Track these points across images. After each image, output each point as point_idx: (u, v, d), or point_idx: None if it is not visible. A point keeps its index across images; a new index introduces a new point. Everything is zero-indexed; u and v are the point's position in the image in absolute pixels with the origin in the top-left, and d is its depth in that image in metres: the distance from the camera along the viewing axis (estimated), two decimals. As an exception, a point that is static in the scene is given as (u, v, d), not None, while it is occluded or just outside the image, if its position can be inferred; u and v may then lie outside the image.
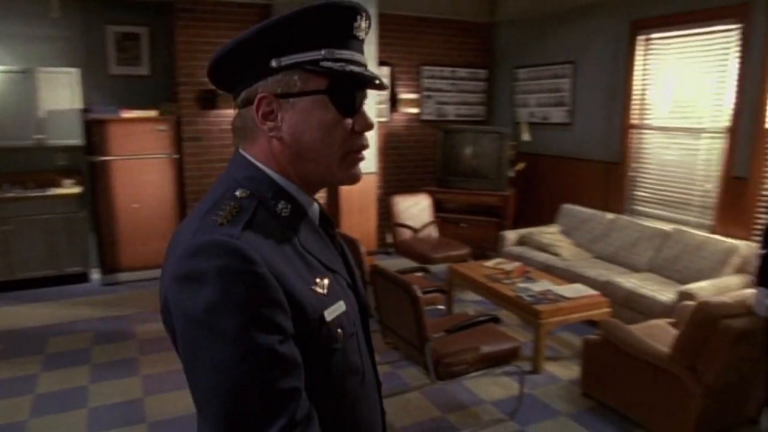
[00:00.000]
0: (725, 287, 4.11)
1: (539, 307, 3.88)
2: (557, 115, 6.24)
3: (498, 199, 6.21)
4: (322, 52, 0.89)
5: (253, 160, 0.96)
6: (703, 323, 2.97)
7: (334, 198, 5.12)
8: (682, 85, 5.08)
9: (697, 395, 2.97)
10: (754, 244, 4.38)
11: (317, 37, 0.90)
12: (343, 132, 0.93)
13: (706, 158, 4.92)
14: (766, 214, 4.44)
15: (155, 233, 5.59)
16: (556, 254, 5.28)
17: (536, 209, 6.46)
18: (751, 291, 3.03)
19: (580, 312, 4.00)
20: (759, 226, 4.49)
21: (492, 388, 3.66)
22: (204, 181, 5.80)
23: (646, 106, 5.39)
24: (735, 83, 4.60)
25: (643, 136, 5.42)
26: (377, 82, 0.95)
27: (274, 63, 0.90)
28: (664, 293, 4.24)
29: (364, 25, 0.94)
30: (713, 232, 4.75)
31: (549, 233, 5.62)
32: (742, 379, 3.12)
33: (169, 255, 0.91)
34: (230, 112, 5.79)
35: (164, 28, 5.76)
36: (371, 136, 4.58)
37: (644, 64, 5.35)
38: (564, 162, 6.20)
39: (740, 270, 4.36)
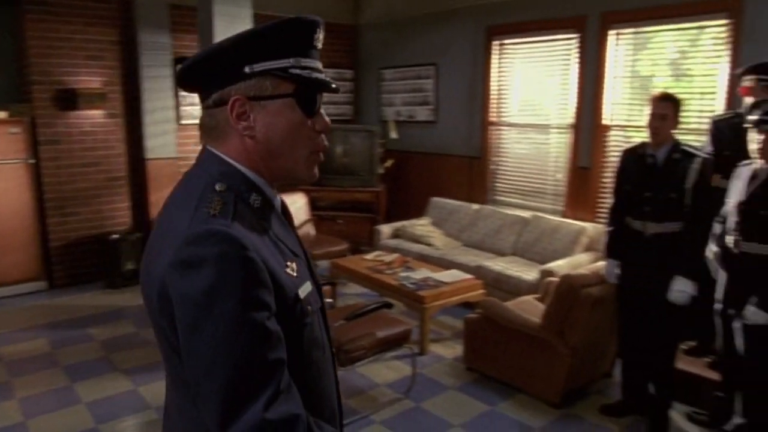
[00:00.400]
0: (578, 264, 4.65)
1: (422, 293, 4.15)
2: (422, 113, 6.62)
3: (370, 195, 6.46)
4: (291, 60, 1.02)
5: (224, 156, 1.05)
6: (566, 293, 3.38)
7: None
8: (533, 86, 5.66)
9: (565, 356, 3.38)
10: (599, 226, 5.00)
11: (286, 48, 1.02)
12: (308, 131, 1.06)
13: (555, 151, 5.52)
14: (609, 198, 5.08)
15: (11, 246, 5.14)
16: (429, 244, 5.62)
17: (406, 203, 6.80)
18: (602, 263, 3.50)
19: (458, 295, 4.34)
20: (601, 209, 5.13)
21: (384, 371, 3.86)
22: (66, 187, 5.43)
23: (503, 105, 5.91)
24: (576, 85, 5.21)
25: (501, 132, 5.93)
26: (333, 86, 1.08)
27: (247, 69, 1.00)
28: (529, 273, 4.72)
29: (321, 36, 1.07)
30: (565, 217, 5.34)
31: (421, 225, 5.96)
32: (598, 339, 3.60)
33: (159, 246, 0.98)
34: (94, 113, 5.49)
35: (7, 22, 5.30)
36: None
37: (499, 67, 5.86)
38: (430, 158, 6.59)
39: (589, 248, 4.95)
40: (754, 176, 2.89)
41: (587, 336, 3.45)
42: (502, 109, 5.91)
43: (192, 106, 5.94)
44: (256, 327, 0.91)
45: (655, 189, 3.13)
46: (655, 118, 3.09)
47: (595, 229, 5.01)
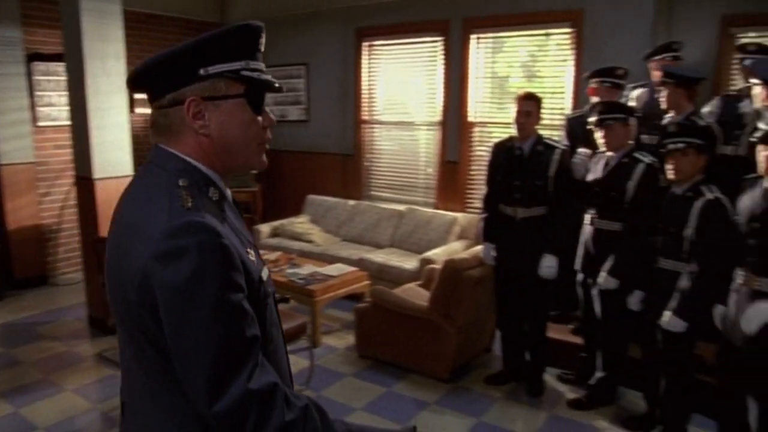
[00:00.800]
0: (453, 251, 5.01)
1: (312, 287, 4.26)
2: (294, 112, 6.69)
3: (246, 195, 6.42)
4: (242, 63, 1.10)
5: (179, 154, 1.11)
6: (450, 276, 3.67)
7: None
8: (402, 85, 5.96)
9: (452, 335, 3.67)
10: (469, 215, 5.42)
11: (236, 52, 1.10)
12: (257, 128, 1.15)
13: (425, 147, 5.87)
14: (477, 190, 5.51)
15: None
16: (309, 241, 5.72)
17: (283, 202, 6.83)
18: (479, 247, 3.84)
19: (346, 287, 4.50)
20: (470, 200, 5.55)
21: (280, 366, 3.92)
22: None
23: (374, 104, 6.15)
24: (442, 85, 5.58)
25: (374, 130, 6.18)
26: (278, 86, 1.18)
27: (202, 71, 1.07)
28: (409, 262, 4.99)
29: (264, 40, 1.17)
30: (436, 208, 5.70)
31: (300, 223, 6.04)
32: (480, 317, 3.94)
33: (129, 243, 1.03)
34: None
35: None
36: (125, 138, 4.39)
37: (369, 67, 6.10)
38: (304, 156, 6.68)
39: (461, 236, 5.34)
40: (606, 164, 3.37)
41: (471, 314, 3.77)
42: (374, 108, 6.16)
43: (50, 107, 5.51)
44: (234, 308, 1.00)
45: (522, 178, 3.50)
46: (521, 114, 3.46)
47: (465, 218, 5.41)
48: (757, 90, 3.08)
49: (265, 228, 6.05)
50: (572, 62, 4.92)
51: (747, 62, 3.51)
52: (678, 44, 4.00)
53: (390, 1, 5.71)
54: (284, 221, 6.13)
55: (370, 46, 6.04)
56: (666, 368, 3.06)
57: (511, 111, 3.52)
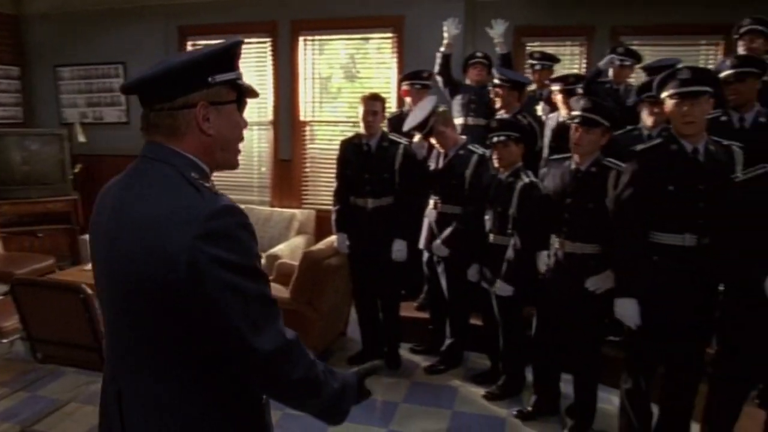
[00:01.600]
0: (296, 245, 5.21)
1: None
2: (112, 114, 6.32)
3: (65, 204, 5.93)
4: (236, 73, 1.27)
5: (181, 151, 1.22)
6: (310, 267, 3.88)
7: None
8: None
9: (316, 321, 3.89)
10: (306, 211, 5.64)
11: (232, 63, 1.27)
12: (241, 129, 1.32)
13: (258, 146, 5.96)
14: (311, 186, 5.75)
15: None
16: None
17: (106, 210, 6.40)
18: (334, 237, 4.08)
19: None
20: (305, 197, 5.79)
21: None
22: None
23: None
24: (272, 85, 5.72)
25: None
26: (256, 91, 1.35)
27: (210, 80, 1.21)
28: (256, 259, 5.07)
29: None
30: (272, 206, 5.84)
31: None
32: (338, 303, 4.21)
33: (169, 226, 1.11)
34: None
35: None
36: None
37: (195, 67, 5.99)
38: (127, 160, 5.95)
39: (300, 231, 5.56)
40: (445, 156, 3.82)
41: (332, 301, 4.03)
42: (202, 108, 6.06)
43: None
44: (263, 274, 1.19)
45: (372, 171, 3.83)
46: (368, 113, 3.78)
47: (303, 214, 5.63)
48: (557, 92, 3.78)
49: (91, 238, 5.66)
50: (395, 65, 5.38)
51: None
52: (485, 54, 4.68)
53: (215, 1, 5.69)
54: (112, 229, 5.78)
55: (194, 45, 5.95)
56: (502, 329, 3.60)
57: (359, 111, 3.82)
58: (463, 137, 3.88)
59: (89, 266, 4.75)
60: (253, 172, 6.02)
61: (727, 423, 2.58)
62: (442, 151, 3.80)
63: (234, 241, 1.13)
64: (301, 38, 5.56)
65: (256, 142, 5.95)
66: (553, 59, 4.72)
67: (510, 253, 3.39)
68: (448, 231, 3.72)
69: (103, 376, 1.35)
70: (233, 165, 1.33)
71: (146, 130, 1.25)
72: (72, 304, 2.83)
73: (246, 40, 5.64)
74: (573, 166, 3.08)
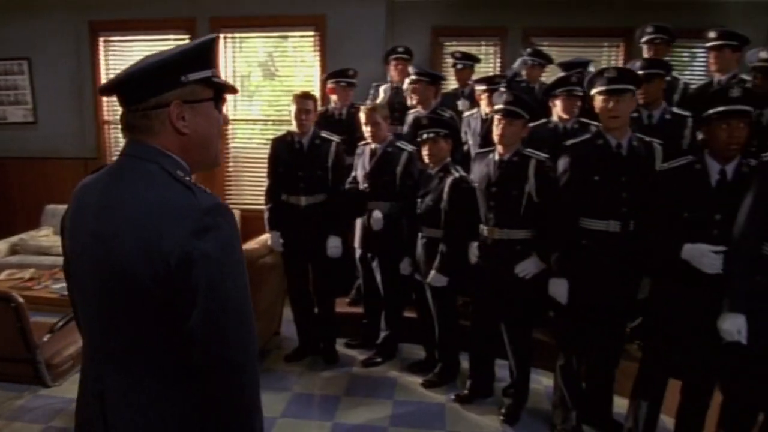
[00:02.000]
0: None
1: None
2: (16, 114, 5.95)
3: (-35, 211, 5.54)
4: (210, 71, 1.28)
5: (162, 149, 1.24)
6: (248, 266, 3.84)
7: None
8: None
9: (255, 320, 3.86)
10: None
11: (207, 61, 1.27)
12: (220, 125, 1.33)
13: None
14: (234, 188, 5.68)
15: None
16: (60, 255, 5.22)
17: (12, 215, 6.01)
18: (267, 235, 4.05)
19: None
20: (228, 196, 5.71)
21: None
22: None
23: (116, 103, 5.81)
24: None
25: (120, 130, 5.85)
26: (235, 88, 1.39)
27: (183, 78, 1.23)
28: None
29: None
30: (196, 207, 5.69)
31: (43, 236, 5.47)
32: (273, 302, 4.21)
33: (162, 222, 1.13)
34: None
35: None
36: None
37: (108, 64, 5.75)
38: (35, 163, 5.99)
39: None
40: (372, 154, 3.90)
41: (267, 300, 4.02)
42: (117, 108, 5.82)
43: None
44: (245, 272, 1.21)
45: (305, 168, 3.86)
46: (301, 112, 3.81)
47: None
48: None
49: (1, 246, 5.32)
50: (317, 63, 5.42)
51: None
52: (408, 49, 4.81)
53: (128, -5, 5.49)
54: (23, 236, 5.45)
55: (107, 41, 5.71)
56: (437, 318, 3.74)
57: (291, 109, 3.84)
58: (390, 134, 3.97)
59: (2, 275, 4.49)
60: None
61: (654, 396, 2.81)
62: (373, 144, 3.87)
63: (224, 237, 1.15)
64: (220, 36, 5.47)
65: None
66: (474, 59, 4.92)
67: (443, 246, 3.52)
68: (378, 225, 3.80)
69: (81, 378, 1.34)
70: (215, 163, 1.36)
71: (126, 129, 1.25)
72: (1, 314, 2.69)
73: (162, 38, 5.58)
74: (497, 157, 3.26)
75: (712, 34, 3.67)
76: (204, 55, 1.26)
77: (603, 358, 3.08)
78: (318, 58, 5.40)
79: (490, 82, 4.11)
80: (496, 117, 3.19)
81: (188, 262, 1.11)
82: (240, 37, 5.53)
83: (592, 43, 5.69)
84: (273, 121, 5.66)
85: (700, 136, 2.80)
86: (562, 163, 2.92)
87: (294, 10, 5.34)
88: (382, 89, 4.72)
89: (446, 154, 3.63)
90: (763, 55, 3.35)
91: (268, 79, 5.73)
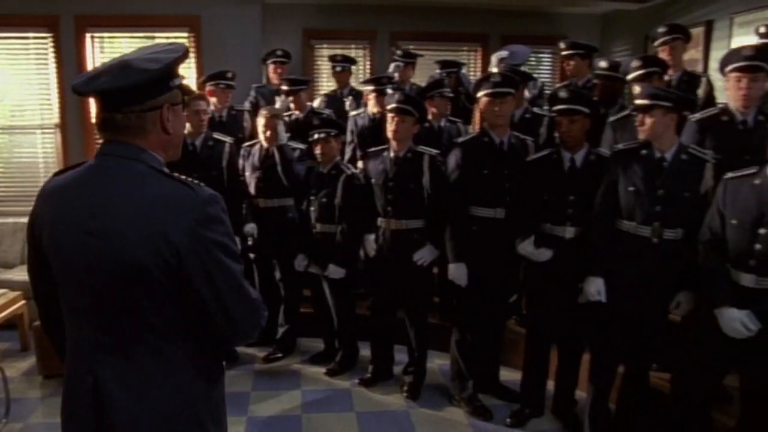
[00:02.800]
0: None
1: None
2: None
3: None
4: (181, 75, 1.41)
5: (144, 147, 1.34)
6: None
7: None
8: (12, 86, 5.37)
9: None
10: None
11: (179, 67, 1.40)
12: (185, 126, 1.47)
13: (44, 152, 5.44)
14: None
15: None
16: None
17: None
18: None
19: (6, 310, 4.03)
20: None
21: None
22: None
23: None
24: (56, 85, 5.27)
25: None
26: (192, 90, 1.51)
27: (171, 83, 1.35)
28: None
29: None
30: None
31: None
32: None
33: (164, 214, 1.25)
34: None
35: None
36: None
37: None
38: None
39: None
40: (259, 153, 3.98)
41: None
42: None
43: None
44: (239, 254, 1.36)
45: (199, 170, 3.74)
46: (198, 113, 3.81)
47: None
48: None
49: None
50: (194, 65, 5.35)
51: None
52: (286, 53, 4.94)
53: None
54: None
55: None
56: (336, 310, 3.92)
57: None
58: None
59: None
60: (39, 181, 5.46)
61: (540, 365, 3.27)
62: (266, 145, 3.94)
63: (224, 225, 1.31)
64: (87, 35, 5.21)
65: (40, 148, 5.43)
66: (352, 61, 5.15)
67: (339, 239, 3.71)
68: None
69: (68, 374, 1.38)
70: (178, 158, 1.47)
71: (110, 130, 1.32)
72: None
73: (21, 35, 5.20)
74: (392, 154, 3.52)
75: (562, 45, 4.22)
76: (182, 62, 1.38)
77: (491, 330, 3.47)
78: (194, 60, 5.33)
79: (377, 82, 4.36)
80: (389, 115, 3.44)
81: (197, 248, 1.25)
82: (109, 37, 5.30)
83: (453, 47, 6.20)
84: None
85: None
86: (453, 159, 3.27)
87: (166, 10, 5.23)
88: (279, 100, 4.72)
89: (336, 153, 3.83)
90: (602, 64, 3.93)
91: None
